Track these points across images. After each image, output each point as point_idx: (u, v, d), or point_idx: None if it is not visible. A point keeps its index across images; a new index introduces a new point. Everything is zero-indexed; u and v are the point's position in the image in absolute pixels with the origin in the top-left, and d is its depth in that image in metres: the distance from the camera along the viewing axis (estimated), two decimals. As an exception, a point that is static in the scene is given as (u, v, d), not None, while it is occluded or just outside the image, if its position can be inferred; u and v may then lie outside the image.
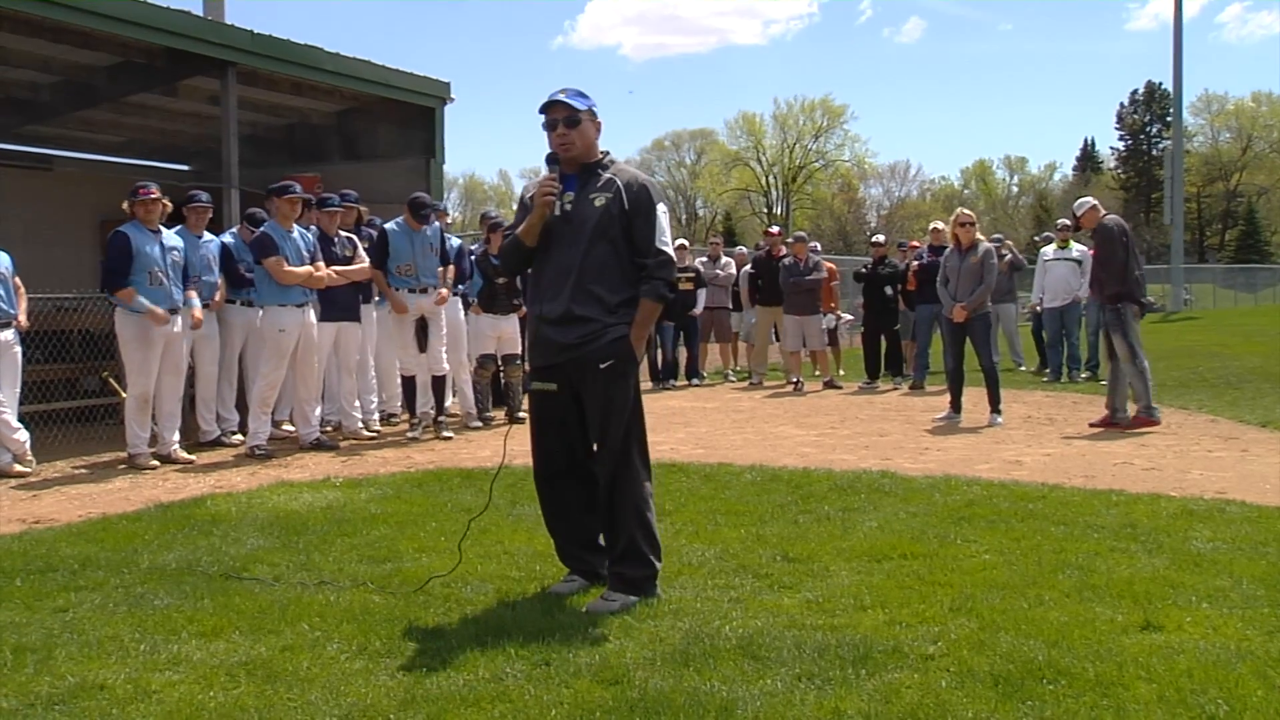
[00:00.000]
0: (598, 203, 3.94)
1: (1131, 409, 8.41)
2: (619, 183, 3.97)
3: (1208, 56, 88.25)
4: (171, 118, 12.12)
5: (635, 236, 3.96)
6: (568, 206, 3.98)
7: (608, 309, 3.92)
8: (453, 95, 11.86)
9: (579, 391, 3.99)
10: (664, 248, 3.99)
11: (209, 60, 9.54)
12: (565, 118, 3.93)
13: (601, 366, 3.91)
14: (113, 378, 7.87)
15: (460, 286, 9.31)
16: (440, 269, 8.72)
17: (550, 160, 4.04)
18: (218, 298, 8.18)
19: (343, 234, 8.53)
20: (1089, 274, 12.62)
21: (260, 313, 8.04)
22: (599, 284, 3.92)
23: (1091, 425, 8.46)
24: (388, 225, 8.66)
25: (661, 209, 4.01)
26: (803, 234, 13.68)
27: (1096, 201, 9.16)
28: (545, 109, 3.97)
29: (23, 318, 7.27)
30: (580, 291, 3.91)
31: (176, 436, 7.62)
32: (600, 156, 4.04)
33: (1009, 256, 12.76)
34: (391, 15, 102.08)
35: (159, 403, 7.48)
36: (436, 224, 8.92)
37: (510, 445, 4.16)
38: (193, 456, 7.62)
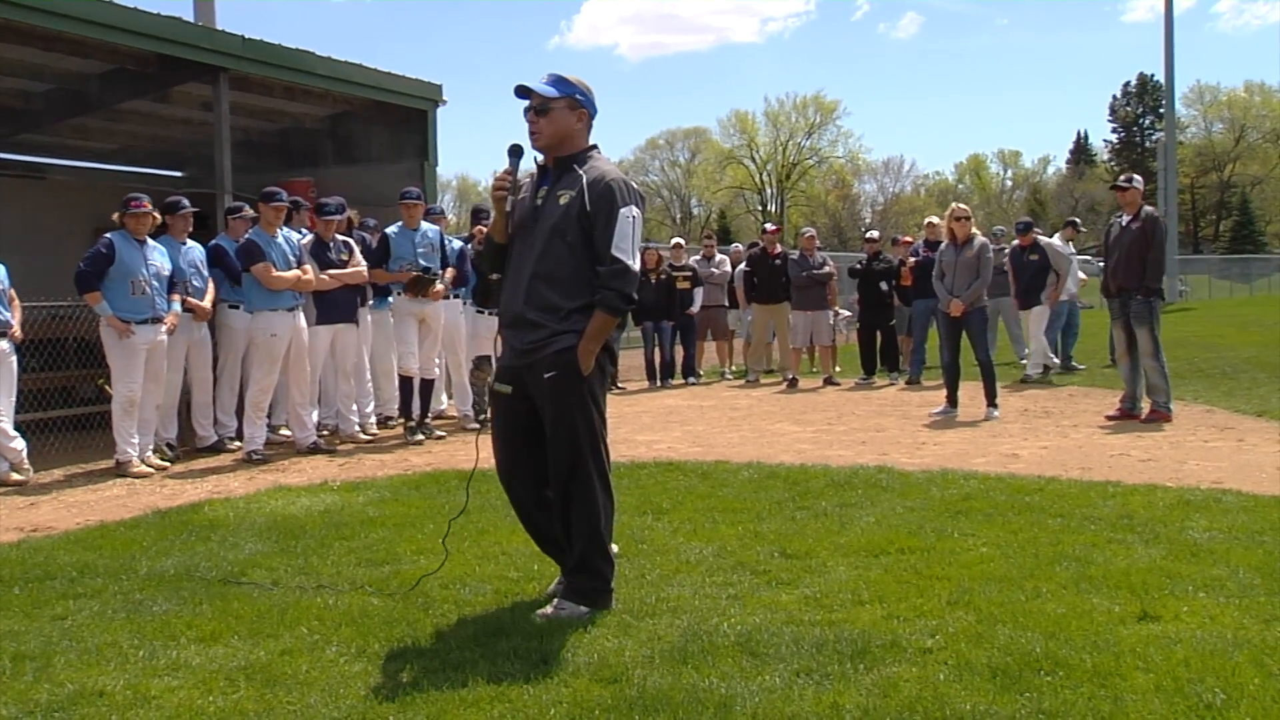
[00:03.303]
0: (561, 200, 3.69)
1: (1145, 403, 8.40)
2: (585, 180, 3.69)
3: (1204, 48, 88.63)
4: (164, 124, 12.09)
5: (594, 240, 3.67)
6: (538, 202, 3.77)
7: (560, 315, 3.68)
8: (445, 98, 11.87)
9: (533, 397, 3.78)
10: (620, 255, 3.64)
11: (201, 66, 9.52)
12: (536, 105, 3.70)
13: (545, 377, 3.69)
14: (107, 384, 7.85)
15: (460, 290, 9.32)
16: (442, 271, 8.76)
17: (512, 153, 3.81)
18: (207, 302, 8.10)
19: (339, 238, 8.54)
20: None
21: (251, 318, 8.04)
22: (552, 288, 3.68)
23: (1109, 418, 8.45)
24: (387, 229, 8.70)
25: (629, 212, 3.66)
26: (810, 229, 13.66)
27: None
28: (517, 94, 3.71)
29: (17, 329, 7.25)
30: (533, 294, 3.69)
31: (151, 442, 7.65)
32: (583, 150, 3.79)
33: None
34: (385, 17, 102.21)
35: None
36: (438, 226, 8.95)
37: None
38: (165, 463, 7.62)
